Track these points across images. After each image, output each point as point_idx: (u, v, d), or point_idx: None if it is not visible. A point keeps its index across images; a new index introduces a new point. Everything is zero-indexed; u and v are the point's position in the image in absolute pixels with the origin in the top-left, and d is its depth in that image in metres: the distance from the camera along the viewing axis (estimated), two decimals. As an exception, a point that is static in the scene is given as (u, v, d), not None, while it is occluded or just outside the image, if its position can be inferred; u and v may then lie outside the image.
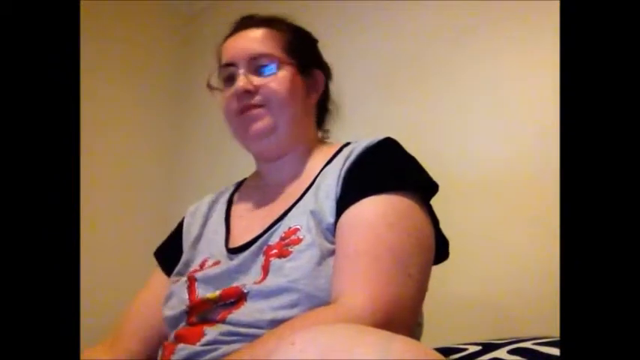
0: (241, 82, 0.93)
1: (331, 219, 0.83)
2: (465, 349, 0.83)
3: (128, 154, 2.17)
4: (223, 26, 1.04)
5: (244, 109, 0.93)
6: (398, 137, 0.92)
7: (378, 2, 1.81)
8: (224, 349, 0.78)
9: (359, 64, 1.74)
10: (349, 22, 1.83)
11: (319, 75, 1.01)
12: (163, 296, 0.97)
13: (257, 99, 0.93)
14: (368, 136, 0.94)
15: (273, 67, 0.94)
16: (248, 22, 1.00)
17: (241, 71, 0.94)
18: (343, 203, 0.83)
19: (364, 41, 1.79)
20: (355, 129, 1.09)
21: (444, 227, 0.89)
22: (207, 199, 1.06)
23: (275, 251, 0.84)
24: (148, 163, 2.24)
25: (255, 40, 0.96)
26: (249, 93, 0.93)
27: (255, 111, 0.93)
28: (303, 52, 0.99)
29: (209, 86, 0.99)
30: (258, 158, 1.01)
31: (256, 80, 0.93)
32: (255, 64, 0.95)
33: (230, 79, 0.96)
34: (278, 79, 0.94)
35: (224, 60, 0.98)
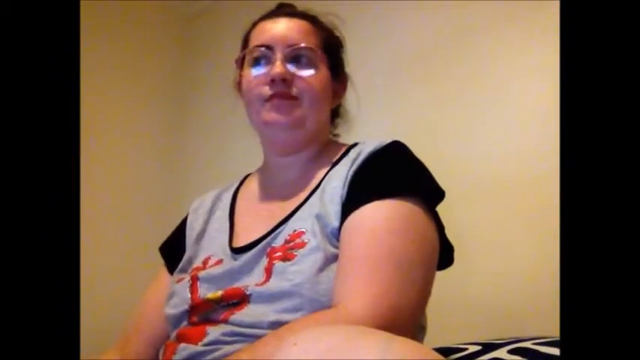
0: (279, 68, 0.90)
1: (336, 223, 0.83)
2: (465, 349, 0.83)
3: (128, 154, 2.17)
4: (223, 26, 1.04)
5: (277, 96, 0.90)
6: (400, 138, 0.92)
7: (379, 3, 1.81)
8: (225, 349, 0.78)
9: (361, 64, 1.74)
10: (350, 23, 1.83)
11: (345, 80, 1.02)
12: (164, 291, 0.97)
13: (293, 90, 0.91)
14: (371, 136, 0.94)
15: (312, 62, 0.92)
16: (288, 9, 0.99)
17: (279, 56, 0.91)
18: (348, 207, 0.83)
19: (366, 42, 1.79)
20: (357, 129, 1.09)
21: (445, 229, 0.89)
22: (210, 195, 1.06)
23: (279, 254, 0.83)
24: (147, 163, 2.24)
25: (297, 30, 0.94)
26: (284, 81, 0.90)
27: (289, 101, 0.91)
28: (336, 54, 0.99)
29: (237, 62, 0.97)
30: (272, 150, 0.99)
31: (294, 71, 0.91)
32: (294, 54, 0.92)
33: (259, 62, 0.94)
34: (315, 75, 0.92)
35: (258, 41, 0.94)
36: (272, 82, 0.90)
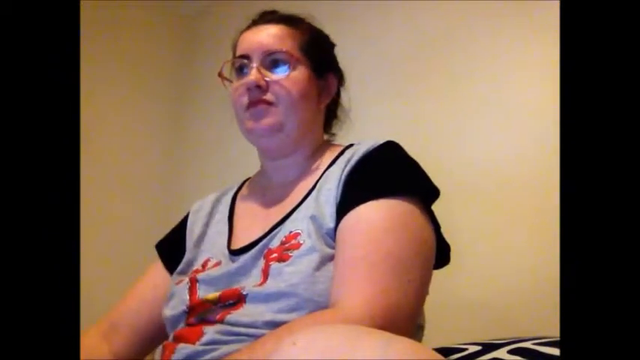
0: (253, 75, 0.91)
1: (331, 224, 0.83)
2: (465, 349, 0.83)
3: (128, 153, 2.17)
4: (223, 26, 1.04)
5: (253, 103, 0.92)
6: (397, 138, 0.92)
7: (380, 2, 1.81)
8: (223, 349, 0.78)
9: (358, 63, 1.75)
10: (349, 23, 1.83)
11: (332, 79, 1.01)
12: (161, 288, 0.98)
13: (268, 96, 0.92)
14: (367, 135, 0.93)
15: (287, 65, 0.93)
16: (268, 16, 0.99)
17: (254, 65, 0.93)
18: (343, 208, 0.83)
19: (363, 40, 1.79)
20: (353, 128, 1.09)
21: (444, 229, 0.89)
22: (210, 198, 1.06)
23: (275, 255, 0.84)
24: (148, 162, 2.24)
25: (272, 35, 0.95)
26: (260, 88, 0.91)
27: (264, 107, 0.92)
28: (319, 54, 0.98)
29: (220, 75, 0.98)
30: (263, 155, 1.00)
31: (269, 76, 0.92)
32: (270, 60, 0.93)
33: (242, 71, 0.95)
34: (291, 78, 0.92)
35: (239, 51, 0.97)
36: (248, 90, 0.92)
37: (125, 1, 2.19)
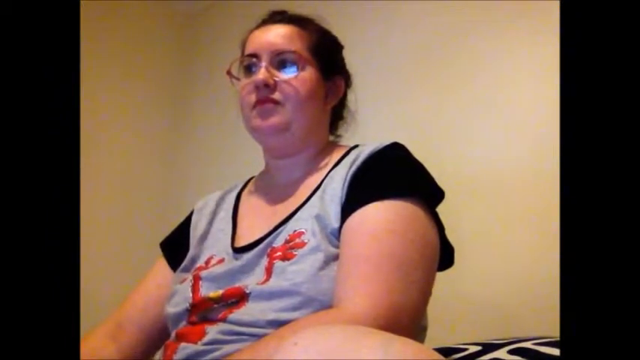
0: (262, 74, 0.92)
1: (336, 224, 0.84)
2: (465, 349, 0.83)
3: (128, 154, 2.17)
4: (223, 26, 1.04)
5: (261, 102, 0.93)
6: (401, 139, 0.92)
7: (378, 3, 1.81)
8: (225, 348, 0.78)
9: (360, 65, 1.74)
10: (350, 22, 1.83)
11: (340, 81, 1.01)
12: (165, 286, 0.98)
13: (276, 95, 0.92)
14: (369, 137, 0.94)
15: (296, 66, 0.94)
16: (278, 17, 1.00)
17: (263, 64, 0.93)
18: (348, 208, 0.83)
19: (366, 42, 1.79)
20: (356, 129, 1.09)
21: (446, 229, 0.89)
22: (215, 196, 1.07)
23: (279, 254, 0.84)
24: (148, 163, 2.24)
25: (282, 35, 0.96)
26: (268, 87, 0.92)
27: (272, 106, 0.92)
28: (327, 55, 0.99)
29: (228, 73, 0.99)
30: (268, 154, 1.01)
31: (278, 76, 0.93)
32: (278, 60, 0.94)
33: (250, 70, 0.96)
34: (299, 79, 0.93)
35: (248, 50, 0.97)
36: (256, 88, 0.92)
37: (125, 0, 2.19)
